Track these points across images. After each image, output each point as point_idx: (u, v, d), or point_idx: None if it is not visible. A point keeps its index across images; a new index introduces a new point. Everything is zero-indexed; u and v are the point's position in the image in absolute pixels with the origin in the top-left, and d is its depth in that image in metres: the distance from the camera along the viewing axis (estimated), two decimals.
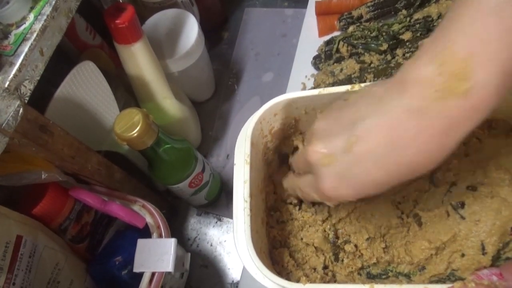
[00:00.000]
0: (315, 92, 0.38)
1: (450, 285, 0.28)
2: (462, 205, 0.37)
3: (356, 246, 0.39)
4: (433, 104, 0.24)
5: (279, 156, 0.45)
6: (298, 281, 0.36)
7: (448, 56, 0.23)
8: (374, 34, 0.53)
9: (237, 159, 0.37)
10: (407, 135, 0.25)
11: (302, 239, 0.41)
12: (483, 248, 0.35)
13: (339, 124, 0.29)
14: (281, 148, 0.44)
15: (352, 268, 0.39)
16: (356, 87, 0.37)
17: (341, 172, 0.28)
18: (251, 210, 0.34)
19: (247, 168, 0.36)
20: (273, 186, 0.43)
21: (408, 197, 0.39)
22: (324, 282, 0.38)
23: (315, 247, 0.40)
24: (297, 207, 0.42)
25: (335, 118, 0.30)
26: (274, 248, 0.40)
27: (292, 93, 0.39)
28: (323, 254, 0.40)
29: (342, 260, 0.40)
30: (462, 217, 0.36)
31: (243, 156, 0.37)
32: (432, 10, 0.53)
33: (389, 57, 0.52)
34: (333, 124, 0.30)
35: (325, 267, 0.39)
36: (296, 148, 0.45)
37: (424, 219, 0.38)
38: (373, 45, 0.53)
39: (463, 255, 0.36)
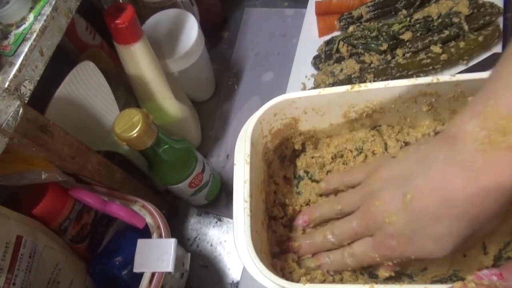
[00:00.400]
0: (315, 92, 0.38)
1: (450, 285, 0.28)
2: None
3: None
4: (478, 156, 0.25)
5: (279, 156, 0.45)
6: (298, 281, 0.36)
7: (491, 112, 0.24)
8: (374, 34, 0.53)
9: (237, 159, 0.37)
10: (456, 187, 0.26)
11: None
12: (485, 248, 0.35)
13: (393, 183, 0.31)
14: (281, 148, 0.44)
15: None
16: (356, 87, 0.37)
17: (402, 229, 0.30)
18: (251, 210, 0.34)
19: (247, 168, 0.36)
20: (274, 186, 0.43)
21: None
22: (324, 282, 0.38)
23: None
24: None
25: (388, 176, 0.33)
26: None
27: (292, 93, 0.39)
28: None
29: None
30: None
31: (243, 156, 0.37)
32: (432, 10, 0.53)
33: (389, 57, 0.52)
34: (388, 184, 0.32)
35: None
36: (294, 151, 0.44)
37: None
38: (373, 45, 0.53)
39: (464, 255, 0.36)
